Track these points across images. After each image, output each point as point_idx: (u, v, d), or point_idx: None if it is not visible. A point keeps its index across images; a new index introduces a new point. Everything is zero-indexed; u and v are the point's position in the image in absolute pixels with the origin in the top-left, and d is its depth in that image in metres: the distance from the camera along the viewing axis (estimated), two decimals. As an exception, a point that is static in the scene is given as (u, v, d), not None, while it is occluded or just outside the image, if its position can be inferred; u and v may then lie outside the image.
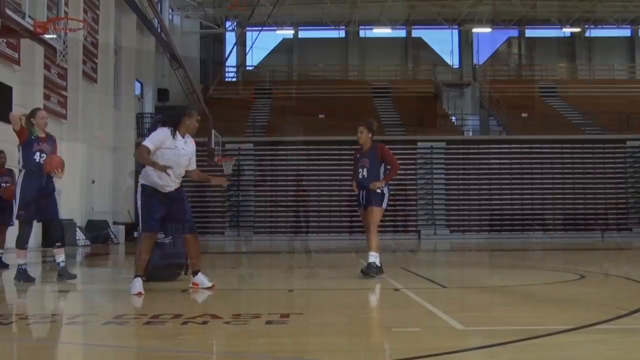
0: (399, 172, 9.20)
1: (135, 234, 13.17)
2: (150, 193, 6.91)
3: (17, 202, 7.82)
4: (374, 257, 8.49)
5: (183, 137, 7.03)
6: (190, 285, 7.27)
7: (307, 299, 6.80)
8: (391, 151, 8.94)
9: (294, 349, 4.04)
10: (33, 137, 8.00)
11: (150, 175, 6.87)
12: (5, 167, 10.92)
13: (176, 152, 6.90)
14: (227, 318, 5.15)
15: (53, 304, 7.06)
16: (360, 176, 8.73)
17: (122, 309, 6.32)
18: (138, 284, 6.79)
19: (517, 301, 6.35)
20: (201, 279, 7.19)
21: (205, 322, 4.98)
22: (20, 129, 8.03)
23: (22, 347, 4.38)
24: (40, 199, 7.94)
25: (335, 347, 4.12)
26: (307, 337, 4.42)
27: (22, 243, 7.97)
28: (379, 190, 8.59)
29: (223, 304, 6.56)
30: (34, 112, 8.29)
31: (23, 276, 7.94)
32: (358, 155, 8.90)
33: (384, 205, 8.70)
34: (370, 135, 8.80)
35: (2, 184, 10.68)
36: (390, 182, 8.92)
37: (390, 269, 10.21)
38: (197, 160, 7.32)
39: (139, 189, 7.01)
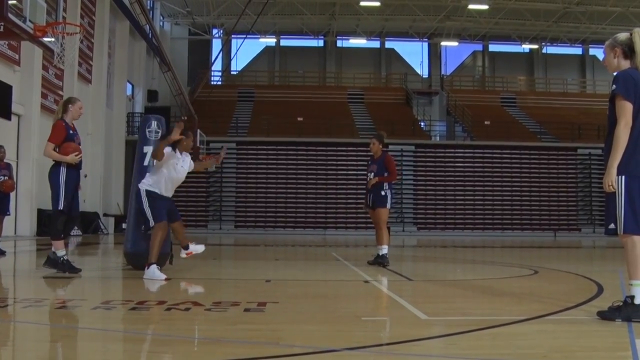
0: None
1: (124, 225, 13.06)
2: (155, 195, 7.25)
3: (63, 194, 7.29)
4: (384, 250, 9.36)
5: (181, 154, 7.38)
6: (185, 255, 7.67)
7: (283, 289, 6.78)
8: (395, 161, 9.73)
9: (270, 335, 4.03)
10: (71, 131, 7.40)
11: (159, 183, 7.26)
12: (5, 160, 10.75)
13: (177, 168, 7.32)
14: (208, 305, 5.13)
15: (52, 290, 6.97)
16: (368, 179, 9.55)
17: (110, 295, 6.28)
18: (158, 272, 7.01)
19: (476, 294, 6.39)
20: (193, 247, 7.67)
21: (187, 309, 4.95)
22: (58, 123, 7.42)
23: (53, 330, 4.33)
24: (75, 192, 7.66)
25: (308, 334, 4.11)
26: (282, 325, 4.41)
27: (59, 233, 7.42)
28: (382, 193, 9.33)
29: (205, 292, 6.53)
30: (72, 101, 7.56)
31: (68, 267, 7.37)
32: (369, 162, 9.65)
33: (388, 205, 9.44)
34: (381, 146, 9.49)
35: (1, 177, 10.52)
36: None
37: (360, 262, 10.25)
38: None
39: (143, 193, 7.23)
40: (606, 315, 4.33)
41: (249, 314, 4.77)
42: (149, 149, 8.08)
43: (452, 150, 31.66)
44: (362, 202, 31.30)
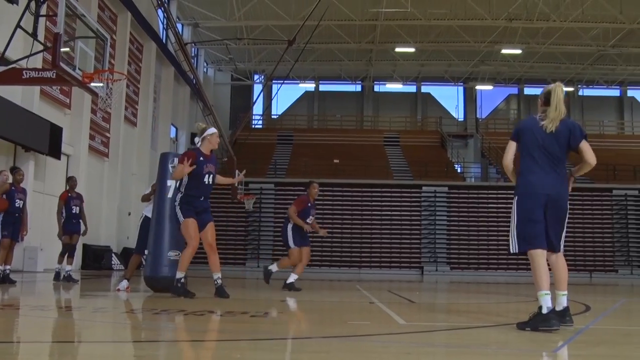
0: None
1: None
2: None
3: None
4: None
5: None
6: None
7: (292, 305, 7.58)
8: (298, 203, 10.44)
9: (266, 329, 4.85)
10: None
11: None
12: (21, 185, 11.32)
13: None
14: (220, 313, 5.99)
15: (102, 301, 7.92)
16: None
17: (136, 305, 7.21)
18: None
19: (461, 312, 7.09)
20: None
21: (202, 315, 5.82)
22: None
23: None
24: None
25: (298, 331, 4.93)
26: (279, 326, 5.23)
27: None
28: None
29: (221, 305, 7.38)
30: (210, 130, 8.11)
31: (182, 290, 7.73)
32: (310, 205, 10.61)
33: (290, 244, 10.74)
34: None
35: (18, 200, 11.08)
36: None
37: (376, 292, 10.96)
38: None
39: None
40: (520, 326, 4.97)
41: (254, 318, 5.61)
42: (172, 183, 8.99)
43: (485, 192, 32.05)
44: (395, 242, 31.49)
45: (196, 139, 8.15)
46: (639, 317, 7.59)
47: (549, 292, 4.90)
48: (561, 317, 4.95)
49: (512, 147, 5.30)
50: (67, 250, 11.89)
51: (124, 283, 9.17)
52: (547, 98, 5.25)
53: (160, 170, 9.29)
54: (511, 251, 5.13)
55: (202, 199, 7.81)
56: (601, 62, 37.28)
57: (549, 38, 32.96)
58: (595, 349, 4.22)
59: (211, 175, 7.88)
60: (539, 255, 5.03)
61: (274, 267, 10.68)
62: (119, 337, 4.59)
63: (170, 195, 8.93)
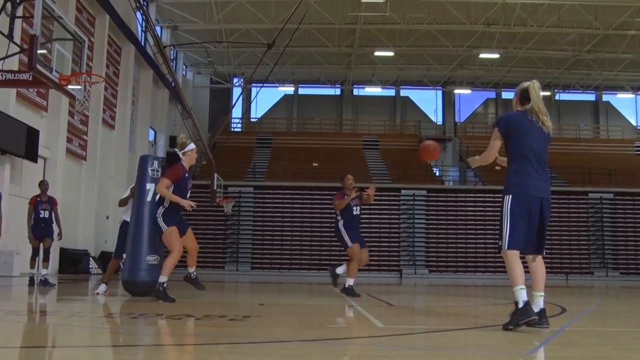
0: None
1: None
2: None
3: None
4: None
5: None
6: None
7: (271, 309, 7.57)
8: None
9: (245, 333, 4.84)
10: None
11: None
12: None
13: None
14: (199, 316, 5.97)
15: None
16: (355, 213, 10.18)
17: (114, 309, 7.16)
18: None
19: (440, 314, 7.13)
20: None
21: (180, 318, 5.80)
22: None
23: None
24: None
25: (276, 334, 4.93)
26: (257, 329, 5.22)
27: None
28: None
29: (200, 309, 7.35)
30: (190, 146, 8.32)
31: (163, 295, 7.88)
32: (350, 196, 10.13)
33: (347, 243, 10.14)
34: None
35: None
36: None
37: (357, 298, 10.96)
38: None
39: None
40: (505, 326, 5.04)
41: (232, 322, 5.59)
42: (151, 186, 8.96)
43: (464, 195, 32.28)
44: (374, 245, 31.55)
45: (177, 150, 8.26)
46: (614, 319, 7.69)
47: (524, 286, 4.97)
48: (539, 318, 5.00)
49: (496, 146, 5.37)
50: (36, 255, 11.76)
51: (102, 287, 9.12)
52: (523, 95, 5.31)
53: (139, 173, 9.21)
54: (503, 248, 5.11)
55: (181, 212, 8.12)
56: (577, 67, 37.77)
57: (526, 43, 33.31)
58: (571, 351, 4.28)
59: (190, 191, 8.21)
60: (516, 254, 5.11)
61: (340, 270, 10.39)
62: (96, 341, 4.56)
63: (149, 198, 8.88)
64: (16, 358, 3.65)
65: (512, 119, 5.34)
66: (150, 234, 8.60)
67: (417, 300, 10.82)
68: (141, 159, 9.44)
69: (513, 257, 5.09)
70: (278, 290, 13.34)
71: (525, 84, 5.36)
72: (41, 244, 11.79)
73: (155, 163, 9.18)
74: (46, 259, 11.84)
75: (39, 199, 11.92)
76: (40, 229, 11.79)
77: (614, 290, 16.78)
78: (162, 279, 7.81)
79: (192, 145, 8.23)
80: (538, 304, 5.08)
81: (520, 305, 4.93)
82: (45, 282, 11.47)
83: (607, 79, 39.30)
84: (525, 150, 5.18)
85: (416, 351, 4.20)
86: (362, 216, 10.20)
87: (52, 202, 12.05)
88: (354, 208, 10.14)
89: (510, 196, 5.17)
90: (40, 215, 11.86)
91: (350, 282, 10.00)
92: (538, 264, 5.23)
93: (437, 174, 36.87)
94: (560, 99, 42.32)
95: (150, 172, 9.07)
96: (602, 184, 31.79)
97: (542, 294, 5.13)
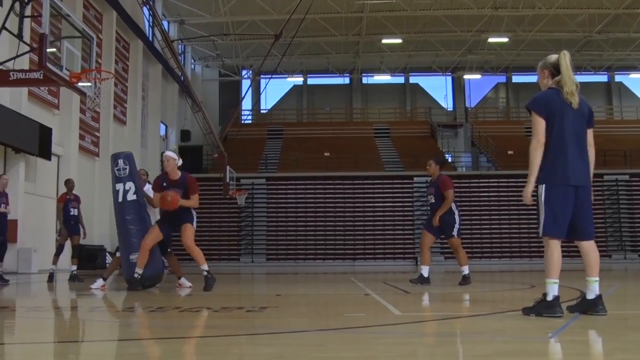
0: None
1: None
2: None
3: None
4: (466, 270, 9.97)
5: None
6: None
7: (288, 299, 7.60)
8: (451, 183, 9.99)
9: (263, 324, 4.86)
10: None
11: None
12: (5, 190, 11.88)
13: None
14: (216, 308, 6.00)
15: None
16: (428, 203, 10.19)
17: (132, 302, 7.21)
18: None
19: (457, 301, 7.12)
20: (184, 280, 9.36)
21: (197, 311, 5.83)
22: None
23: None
24: None
25: (294, 325, 4.95)
26: (275, 320, 5.24)
27: None
28: (450, 221, 9.88)
29: (215, 300, 7.39)
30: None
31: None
32: (429, 184, 10.25)
33: (455, 232, 9.95)
34: (438, 167, 10.08)
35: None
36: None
37: (371, 284, 10.99)
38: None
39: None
40: (525, 311, 4.98)
41: (249, 313, 5.62)
42: (120, 186, 9.00)
43: (477, 180, 32.17)
44: (388, 233, 31.54)
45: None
46: (634, 302, 7.66)
47: (557, 280, 4.82)
48: (593, 306, 4.88)
49: (542, 127, 4.85)
50: (61, 252, 12.06)
51: (99, 282, 9.20)
52: (555, 68, 4.98)
53: (112, 174, 9.31)
54: (541, 235, 4.89)
55: (165, 215, 8.58)
56: (588, 48, 37.41)
57: (535, 25, 33.03)
58: (591, 334, 4.26)
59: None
60: (557, 245, 4.87)
61: (425, 272, 10.08)
62: (116, 335, 4.59)
63: (120, 199, 8.93)
64: (41, 353, 3.68)
65: (548, 98, 4.94)
66: (129, 232, 8.91)
67: (433, 288, 10.79)
68: (112, 157, 9.47)
69: (553, 246, 4.84)
70: (294, 281, 13.36)
71: (555, 56, 5.05)
72: (67, 241, 12.09)
73: (120, 162, 9.15)
74: (75, 255, 12.09)
75: (68, 197, 12.12)
76: (71, 226, 12.08)
77: (632, 273, 16.69)
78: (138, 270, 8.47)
79: (165, 153, 8.64)
80: (594, 290, 4.89)
81: (550, 298, 4.81)
82: (74, 278, 11.66)
83: (618, 59, 38.90)
84: (564, 130, 4.83)
85: (434, 338, 4.20)
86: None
87: (78, 200, 12.30)
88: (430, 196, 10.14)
89: (544, 186, 4.90)
90: (71, 213, 12.16)
91: (426, 271, 10.04)
92: (589, 249, 4.92)
93: (450, 160, 36.73)
94: (572, 80, 41.93)
95: (116, 172, 9.08)
96: (618, 166, 31.53)
97: (597, 279, 4.88)
